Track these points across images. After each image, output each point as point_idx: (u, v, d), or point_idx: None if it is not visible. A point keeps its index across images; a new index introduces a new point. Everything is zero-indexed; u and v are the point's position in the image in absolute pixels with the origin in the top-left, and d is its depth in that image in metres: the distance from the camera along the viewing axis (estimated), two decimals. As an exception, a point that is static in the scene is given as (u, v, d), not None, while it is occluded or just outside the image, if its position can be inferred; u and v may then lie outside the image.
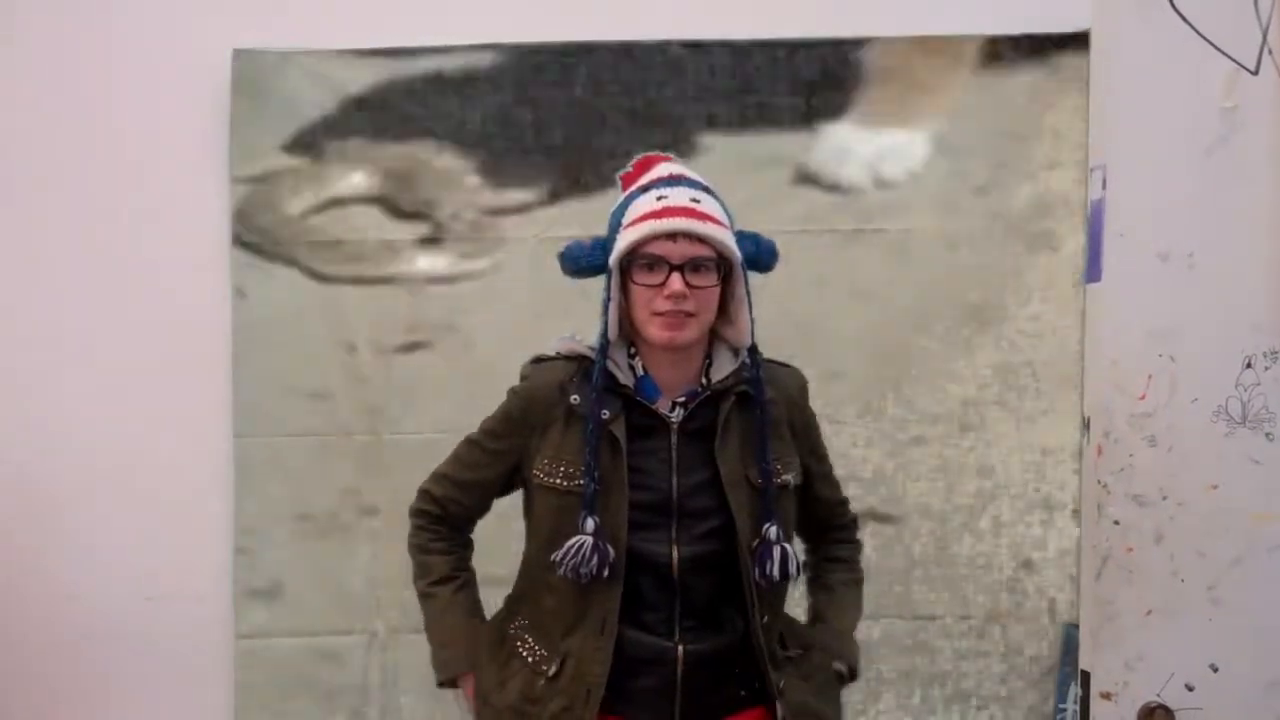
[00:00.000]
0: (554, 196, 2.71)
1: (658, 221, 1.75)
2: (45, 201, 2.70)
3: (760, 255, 1.86)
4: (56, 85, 2.70)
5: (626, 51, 2.70)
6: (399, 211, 2.71)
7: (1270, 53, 1.93)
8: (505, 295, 2.71)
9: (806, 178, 2.72)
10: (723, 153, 2.69)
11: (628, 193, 1.84)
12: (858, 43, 2.70)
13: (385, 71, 2.67)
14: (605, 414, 1.79)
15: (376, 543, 2.64)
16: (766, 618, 1.79)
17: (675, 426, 1.81)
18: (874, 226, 2.72)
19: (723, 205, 1.83)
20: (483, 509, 1.93)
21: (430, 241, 2.71)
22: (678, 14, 2.73)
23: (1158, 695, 1.97)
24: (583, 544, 1.75)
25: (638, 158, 1.89)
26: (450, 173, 2.71)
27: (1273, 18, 1.92)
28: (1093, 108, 2.20)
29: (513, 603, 1.92)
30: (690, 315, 1.75)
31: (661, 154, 1.89)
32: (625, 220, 1.80)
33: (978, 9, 2.67)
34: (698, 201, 1.77)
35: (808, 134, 2.71)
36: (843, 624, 1.97)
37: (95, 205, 2.70)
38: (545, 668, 1.80)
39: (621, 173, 1.90)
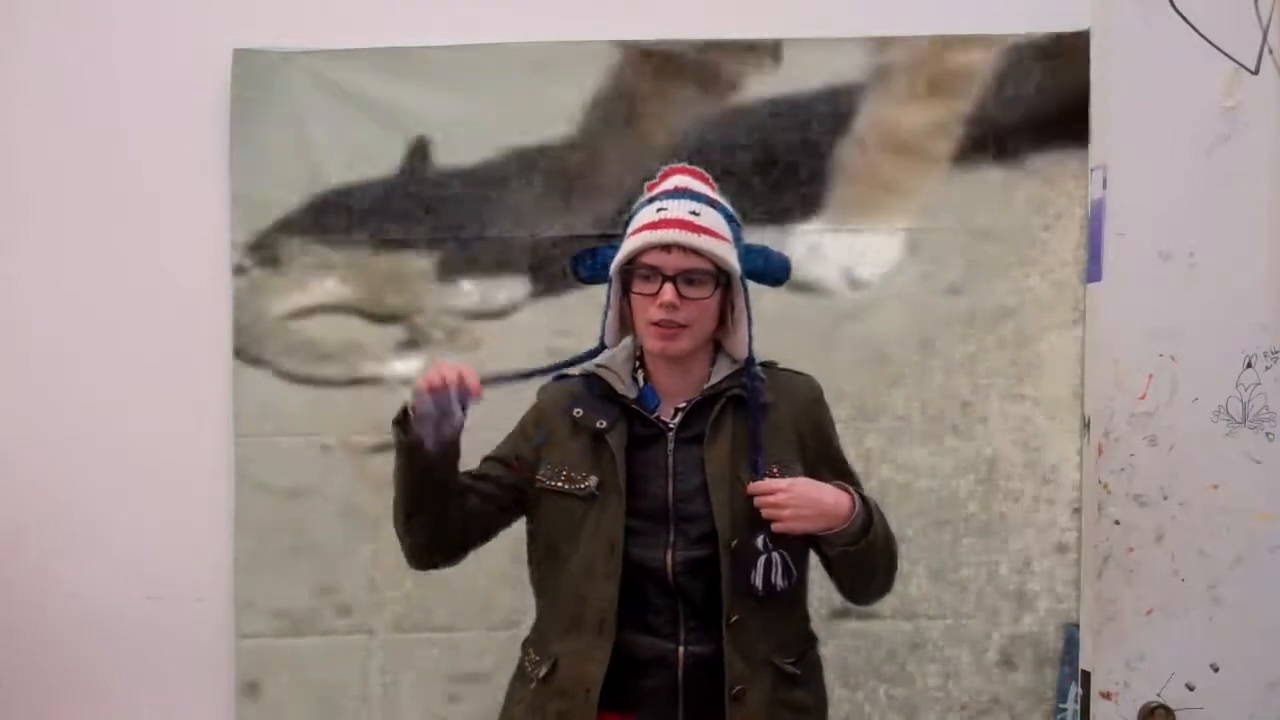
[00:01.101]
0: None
1: (652, 233, 1.79)
2: (44, 202, 2.69)
3: (769, 269, 1.89)
4: (56, 85, 2.69)
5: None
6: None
7: (1270, 53, 1.94)
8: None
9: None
10: None
11: (638, 203, 1.89)
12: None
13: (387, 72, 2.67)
14: (602, 424, 1.83)
15: (377, 543, 2.63)
16: (736, 617, 1.77)
17: (672, 433, 1.83)
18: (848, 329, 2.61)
19: (729, 219, 1.85)
20: (487, 504, 1.88)
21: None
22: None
23: (1158, 695, 1.97)
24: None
25: (664, 168, 1.93)
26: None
27: (1273, 18, 1.93)
28: (1093, 108, 2.21)
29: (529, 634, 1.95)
30: (683, 326, 1.78)
31: (683, 166, 1.92)
32: (628, 230, 1.84)
33: (980, 8, 2.66)
34: (697, 214, 1.80)
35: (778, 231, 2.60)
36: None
37: (94, 205, 2.69)
38: (537, 672, 1.83)
39: (649, 182, 1.93)
